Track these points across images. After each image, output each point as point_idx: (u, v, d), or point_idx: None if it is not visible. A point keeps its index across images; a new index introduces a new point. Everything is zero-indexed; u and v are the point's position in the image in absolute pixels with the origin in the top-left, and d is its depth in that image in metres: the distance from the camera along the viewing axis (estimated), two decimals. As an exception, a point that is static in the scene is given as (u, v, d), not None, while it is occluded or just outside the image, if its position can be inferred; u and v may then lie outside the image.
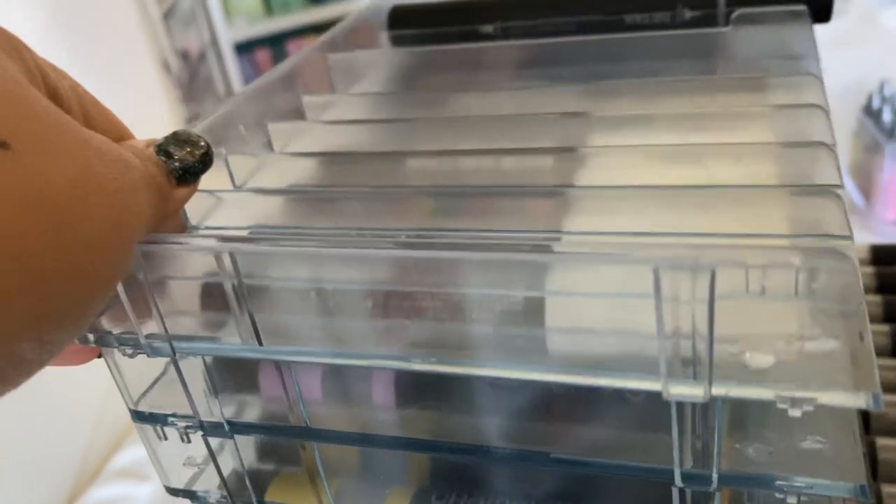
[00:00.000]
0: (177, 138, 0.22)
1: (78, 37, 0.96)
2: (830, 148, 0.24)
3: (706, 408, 0.21)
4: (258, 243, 0.23)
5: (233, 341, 0.24)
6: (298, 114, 0.36)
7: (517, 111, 0.33)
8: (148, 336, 0.24)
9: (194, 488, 0.29)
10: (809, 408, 0.18)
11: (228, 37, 1.57)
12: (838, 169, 0.24)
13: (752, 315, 0.19)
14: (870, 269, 0.51)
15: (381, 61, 0.40)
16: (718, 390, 0.19)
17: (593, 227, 0.25)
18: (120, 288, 0.23)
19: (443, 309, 0.23)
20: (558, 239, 0.25)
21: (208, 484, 0.29)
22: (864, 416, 0.41)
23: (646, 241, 0.23)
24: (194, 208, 0.26)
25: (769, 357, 0.19)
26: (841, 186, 0.22)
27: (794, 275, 0.18)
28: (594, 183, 0.27)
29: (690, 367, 0.19)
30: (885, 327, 0.46)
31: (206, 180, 0.24)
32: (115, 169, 0.19)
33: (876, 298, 0.48)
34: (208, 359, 0.27)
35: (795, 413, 0.18)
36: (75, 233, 0.17)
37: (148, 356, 0.25)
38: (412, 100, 0.37)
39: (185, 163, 0.22)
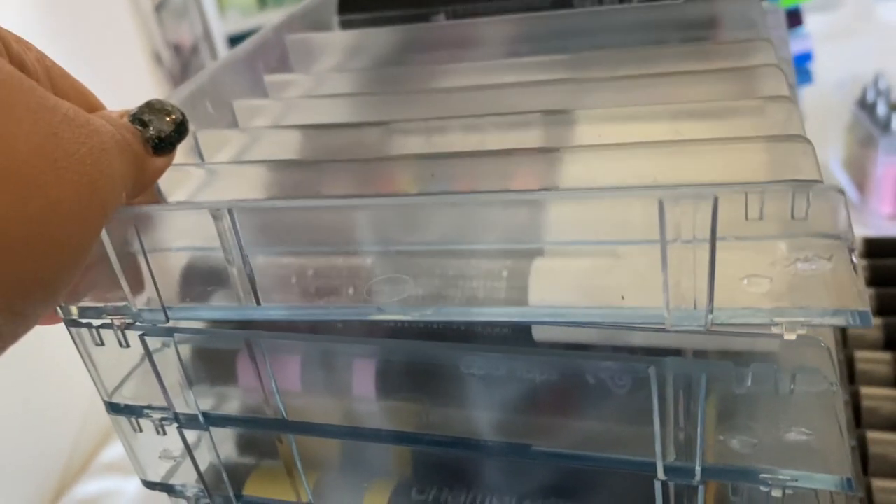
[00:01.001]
0: (151, 107, 0.22)
1: (68, 28, 0.95)
2: (792, 101, 0.24)
3: (689, 396, 0.21)
4: (259, 202, 0.23)
5: (230, 305, 0.24)
6: (261, 93, 0.36)
7: (490, 82, 0.33)
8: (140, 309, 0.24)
9: (171, 482, 0.29)
10: (803, 331, 0.19)
11: (221, 30, 1.56)
12: (801, 121, 0.24)
13: (749, 247, 0.19)
14: (863, 262, 0.50)
15: (338, 42, 0.39)
16: (717, 320, 0.19)
17: (582, 183, 0.25)
18: (113, 256, 0.23)
19: (431, 270, 0.23)
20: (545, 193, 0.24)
21: (186, 477, 0.29)
22: (856, 409, 0.41)
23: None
24: (168, 185, 0.26)
25: (766, 281, 0.19)
26: (805, 138, 0.22)
27: (791, 201, 0.18)
28: (578, 144, 0.27)
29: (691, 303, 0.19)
30: (878, 320, 0.46)
31: (177, 158, 0.24)
32: (83, 133, 0.18)
33: (869, 291, 0.48)
34: (184, 349, 0.26)
35: (791, 337, 0.19)
36: (45, 199, 0.17)
37: (131, 328, 0.24)
38: (379, 76, 0.36)
39: (160, 131, 0.22)
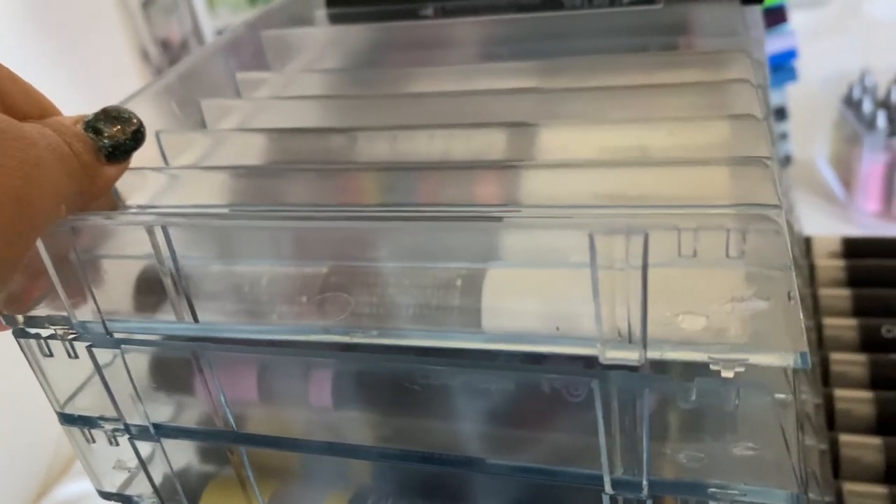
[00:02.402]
0: (107, 115, 0.22)
1: (52, 24, 0.94)
2: (759, 120, 0.24)
3: (634, 409, 0.20)
4: (192, 218, 0.22)
5: (169, 319, 0.23)
6: (233, 92, 0.35)
7: (461, 88, 0.33)
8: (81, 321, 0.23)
9: (128, 492, 0.28)
10: (741, 368, 0.18)
11: (211, 26, 1.55)
12: (769, 140, 0.23)
13: (685, 280, 0.19)
14: (841, 263, 0.50)
15: (315, 39, 0.39)
16: (653, 353, 0.19)
17: (537, 201, 0.25)
18: (50, 267, 0.22)
19: (379, 284, 0.22)
20: (500, 218, 0.24)
21: (142, 488, 0.28)
22: (829, 412, 0.41)
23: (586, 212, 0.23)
24: (128, 189, 0.26)
25: (702, 319, 0.19)
26: (770, 158, 0.22)
27: (725, 238, 0.18)
28: (544, 157, 0.27)
29: (626, 334, 0.19)
30: (853, 321, 0.45)
31: (139, 158, 0.23)
32: (15, 147, 0.18)
33: (846, 292, 0.47)
34: (139, 359, 0.26)
35: (728, 374, 0.19)
36: None
37: (79, 339, 0.24)
38: (352, 78, 0.36)
39: (114, 140, 0.21)
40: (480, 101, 0.31)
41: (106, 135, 0.21)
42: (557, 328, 0.19)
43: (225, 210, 0.27)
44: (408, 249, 0.23)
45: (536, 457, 0.24)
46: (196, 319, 0.22)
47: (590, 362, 0.23)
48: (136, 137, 0.22)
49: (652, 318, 0.18)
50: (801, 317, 0.17)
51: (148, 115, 0.31)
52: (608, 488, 0.21)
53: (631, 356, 0.19)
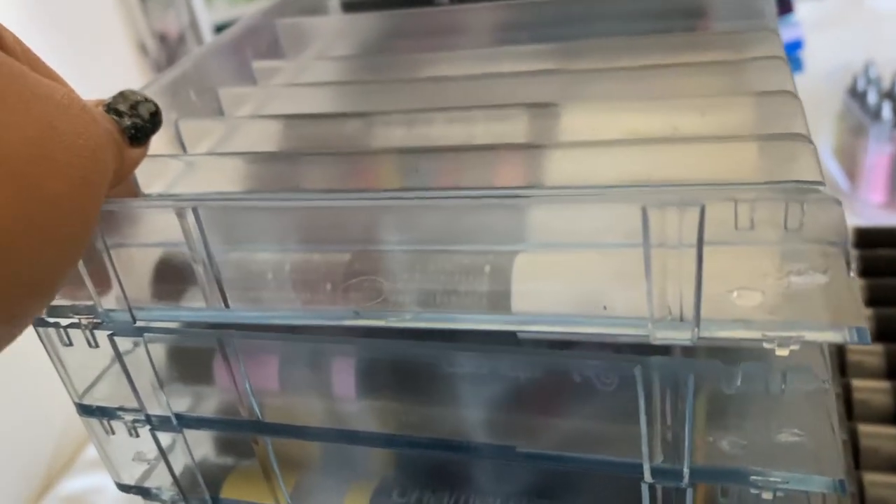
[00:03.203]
0: (125, 98, 0.22)
1: (50, 18, 0.93)
2: (795, 96, 0.23)
3: (676, 396, 0.20)
4: (224, 201, 0.22)
5: (198, 306, 0.23)
6: (249, 80, 0.35)
7: (480, 72, 0.32)
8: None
9: (146, 485, 0.28)
10: (796, 346, 0.18)
11: (208, 19, 1.54)
12: (804, 117, 0.23)
13: (737, 256, 0.18)
14: (855, 253, 0.50)
15: (330, 27, 0.38)
16: (704, 333, 0.18)
17: (562, 183, 0.24)
18: None
19: (412, 267, 0.22)
20: (537, 195, 0.24)
21: (161, 480, 0.28)
22: (847, 403, 0.40)
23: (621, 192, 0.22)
24: (146, 176, 0.25)
25: (757, 294, 0.18)
26: (808, 137, 0.21)
27: (784, 210, 0.17)
28: (568, 139, 0.26)
29: (677, 314, 0.18)
30: (868, 311, 0.45)
31: (157, 147, 0.23)
32: (80, 123, 0.18)
33: (859, 282, 0.47)
34: (159, 348, 0.25)
35: (783, 352, 0.18)
36: (40, 194, 0.16)
37: (99, 328, 0.24)
38: (368, 64, 0.35)
39: (136, 121, 0.21)
40: (500, 84, 0.30)
41: (127, 117, 0.21)
42: (605, 307, 0.19)
43: (247, 196, 0.27)
44: (435, 233, 0.22)
45: (567, 445, 0.23)
46: (227, 305, 0.22)
47: (621, 349, 0.23)
48: (155, 119, 0.22)
49: (704, 295, 0.18)
50: (858, 291, 0.17)
51: (165, 103, 0.30)
52: (647, 476, 0.21)
53: (683, 336, 0.18)
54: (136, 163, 0.22)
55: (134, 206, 0.21)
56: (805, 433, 0.20)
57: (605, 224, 0.19)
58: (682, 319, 0.18)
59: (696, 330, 0.18)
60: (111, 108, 0.21)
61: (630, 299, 0.19)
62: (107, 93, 0.24)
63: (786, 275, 0.17)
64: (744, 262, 0.18)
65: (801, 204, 0.16)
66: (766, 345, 0.17)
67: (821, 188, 0.19)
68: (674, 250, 0.17)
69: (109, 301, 0.23)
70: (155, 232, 0.22)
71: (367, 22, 0.38)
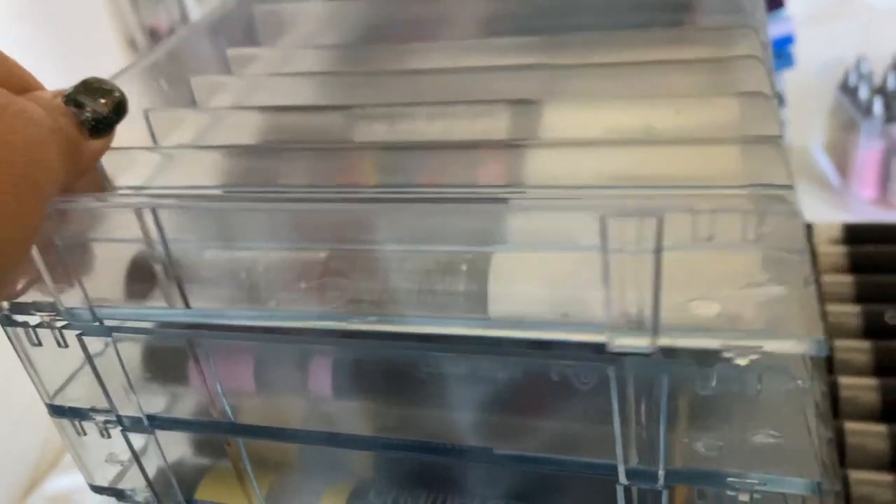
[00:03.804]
0: (87, 87, 0.21)
1: (38, 12, 0.92)
2: (769, 97, 0.23)
3: (651, 397, 0.19)
4: (183, 200, 0.21)
5: (160, 305, 0.22)
6: (223, 68, 0.34)
7: (462, 64, 0.32)
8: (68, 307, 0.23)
9: (120, 486, 0.28)
10: (756, 356, 0.18)
11: (199, 13, 1.53)
12: (777, 119, 0.23)
13: (697, 265, 0.18)
14: (843, 249, 0.49)
15: (308, 14, 0.38)
16: (664, 340, 0.18)
17: (541, 181, 0.24)
18: (35, 251, 0.21)
19: (380, 268, 0.21)
20: (506, 200, 0.23)
21: (135, 482, 0.27)
22: (833, 400, 0.40)
23: (597, 194, 0.22)
24: (115, 168, 0.25)
25: (715, 305, 0.18)
26: (780, 137, 0.21)
27: (742, 221, 0.17)
28: (549, 136, 0.26)
29: (636, 321, 0.18)
30: (856, 308, 0.45)
31: (127, 139, 0.22)
32: (18, 122, 0.17)
33: (848, 278, 0.47)
34: (132, 348, 0.25)
35: (743, 362, 0.18)
36: None
37: (69, 328, 0.23)
38: (349, 54, 0.35)
39: (97, 113, 0.21)
40: (482, 78, 0.30)
41: (88, 107, 0.21)
42: (566, 314, 0.19)
43: (218, 191, 0.26)
44: (410, 233, 0.22)
45: (544, 446, 0.23)
46: (188, 305, 0.21)
47: (599, 348, 0.22)
48: (119, 109, 0.21)
49: (664, 303, 0.17)
50: (817, 302, 0.16)
51: (135, 92, 0.30)
52: (623, 478, 0.20)
53: (641, 343, 0.18)
54: (98, 154, 0.21)
55: (93, 205, 0.20)
56: (782, 434, 0.19)
57: (578, 226, 0.19)
58: (641, 327, 0.18)
59: (654, 338, 0.18)
60: (70, 98, 0.21)
61: (597, 304, 0.18)
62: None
63: (744, 286, 0.17)
64: (702, 272, 0.17)
65: (760, 216, 0.16)
66: (725, 354, 0.17)
67: (787, 193, 0.19)
68: (633, 257, 0.17)
69: (74, 299, 0.22)
70: (119, 228, 0.22)
71: (349, 9, 0.38)
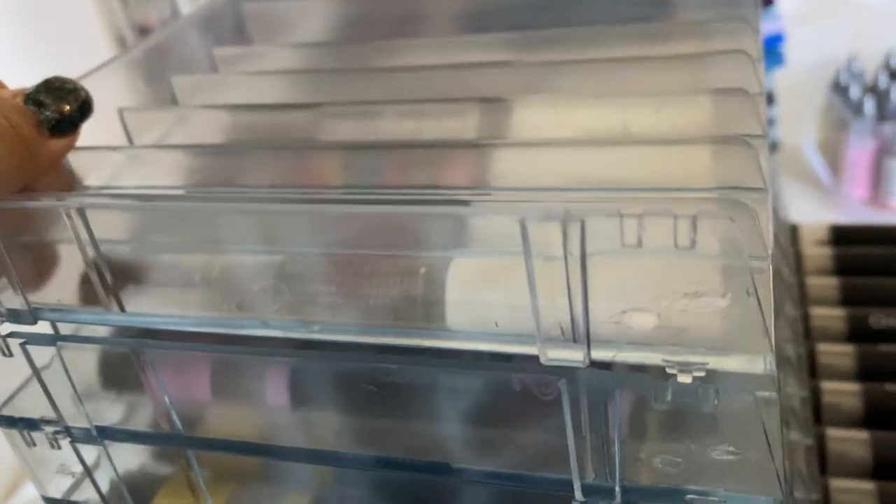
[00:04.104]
0: (49, 86, 0.21)
1: (23, 8, 0.92)
2: (749, 94, 0.22)
3: (606, 410, 0.19)
4: (110, 200, 0.21)
5: (96, 310, 0.22)
6: (209, 68, 0.33)
7: (438, 62, 0.31)
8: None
9: (74, 498, 0.27)
10: (701, 373, 0.17)
11: (190, 11, 1.52)
12: (761, 118, 0.22)
13: (638, 273, 0.17)
14: (828, 251, 0.49)
15: (301, 12, 0.37)
16: (600, 354, 0.17)
17: (506, 183, 0.23)
18: None
19: (336, 272, 0.21)
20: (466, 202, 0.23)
21: (89, 493, 0.27)
22: (816, 406, 0.39)
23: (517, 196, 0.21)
24: (86, 168, 0.24)
25: (651, 317, 0.17)
26: (762, 136, 0.20)
27: (673, 226, 0.16)
28: (518, 136, 0.25)
29: (570, 332, 0.17)
30: (841, 311, 0.44)
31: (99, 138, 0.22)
32: None
33: (833, 281, 0.46)
34: (79, 357, 0.24)
35: (685, 379, 0.16)
36: None
37: (10, 337, 0.23)
38: (329, 52, 0.34)
39: (58, 112, 0.20)
40: (457, 75, 0.29)
41: (49, 107, 0.20)
42: (496, 324, 0.18)
43: (180, 191, 0.26)
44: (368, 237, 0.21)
45: (505, 461, 0.22)
46: (123, 309, 0.21)
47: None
48: (83, 109, 0.21)
49: (602, 315, 0.16)
50: (764, 316, 0.15)
51: (113, 91, 0.29)
52: (578, 495, 0.20)
53: (574, 356, 0.17)
54: (60, 154, 0.21)
55: (19, 205, 0.20)
56: (741, 450, 0.19)
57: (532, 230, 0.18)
58: (575, 340, 0.17)
59: (586, 351, 0.17)
60: (30, 97, 0.20)
61: (544, 310, 0.17)
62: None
63: (681, 297, 0.16)
64: (641, 280, 0.16)
65: (692, 219, 0.15)
66: (668, 370, 0.16)
67: (758, 195, 0.18)
68: (560, 263, 0.16)
69: (14, 301, 0.22)
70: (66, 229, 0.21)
71: (339, 7, 0.37)
